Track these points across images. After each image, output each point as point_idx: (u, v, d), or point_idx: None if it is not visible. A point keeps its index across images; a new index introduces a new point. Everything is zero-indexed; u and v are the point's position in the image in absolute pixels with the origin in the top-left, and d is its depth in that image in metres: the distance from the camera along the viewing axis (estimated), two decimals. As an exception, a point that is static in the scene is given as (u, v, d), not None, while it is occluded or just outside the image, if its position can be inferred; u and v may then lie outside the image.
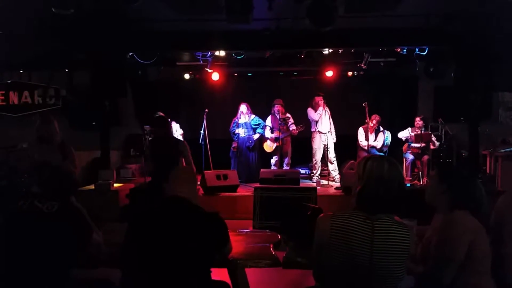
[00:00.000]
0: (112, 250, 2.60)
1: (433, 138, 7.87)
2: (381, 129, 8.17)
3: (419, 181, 7.62)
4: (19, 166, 6.21)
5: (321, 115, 7.88)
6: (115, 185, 6.60)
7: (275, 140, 7.95)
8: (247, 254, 2.75)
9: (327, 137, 7.87)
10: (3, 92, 8.16)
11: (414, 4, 5.63)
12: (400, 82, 8.96)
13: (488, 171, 7.43)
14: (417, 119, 7.90)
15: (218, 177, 6.75)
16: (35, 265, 2.26)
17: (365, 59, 7.84)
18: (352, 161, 7.66)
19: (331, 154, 7.95)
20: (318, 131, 7.94)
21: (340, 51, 7.54)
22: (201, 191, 6.61)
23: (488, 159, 7.52)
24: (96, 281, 2.62)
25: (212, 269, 2.42)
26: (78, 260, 2.46)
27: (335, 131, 8.06)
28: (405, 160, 8.01)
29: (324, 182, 7.71)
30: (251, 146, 8.02)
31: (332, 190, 7.17)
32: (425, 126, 7.95)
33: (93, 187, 6.31)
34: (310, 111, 7.99)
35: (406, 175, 7.88)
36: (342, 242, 1.93)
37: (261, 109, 8.45)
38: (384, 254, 1.90)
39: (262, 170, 7.08)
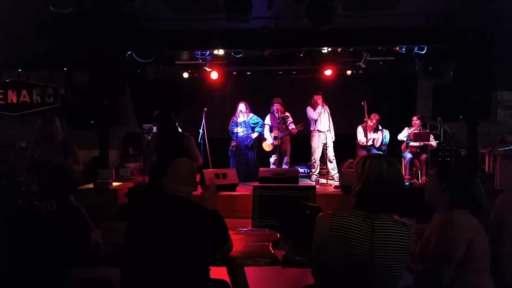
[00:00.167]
0: (111, 249, 2.60)
1: (432, 137, 7.87)
2: (380, 127, 8.18)
3: (418, 179, 7.62)
4: (18, 165, 6.22)
5: (320, 113, 7.88)
6: (114, 184, 6.60)
7: (274, 139, 7.95)
8: (246, 252, 2.75)
9: (326, 136, 7.88)
10: (2, 91, 8.17)
11: (413, 3, 5.63)
12: (399, 81, 8.96)
13: (486, 170, 7.44)
14: (414, 118, 7.90)
15: (217, 176, 6.74)
16: (34, 264, 2.25)
17: (364, 58, 7.84)
18: (351, 160, 7.66)
19: (330, 153, 7.96)
20: (317, 130, 7.95)
21: (339, 50, 7.54)
22: (200, 190, 6.60)
23: (486, 158, 7.53)
24: (95, 280, 2.62)
25: (211, 268, 2.42)
26: (77, 259, 2.46)
27: (334, 130, 8.07)
28: (404, 159, 8.02)
29: (323, 181, 7.71)
30: (249, 145, 8.01)
31: (331, 189, 7.17)
32: (423, 125, 7.95)
33: (92, 186, 6.31)
34: (309, 110, 7.99)
35: (404, 174, 7.88)
36: (341, 241, 1.93)
37: (260, 108, 8.44)
38: (383, 253, 1.90)
39: (261, 169, 7.08)
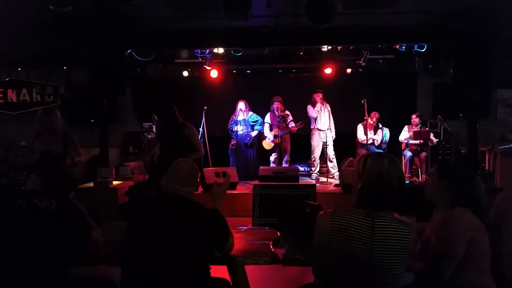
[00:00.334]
0: (112, 248, 2.60)
1: (432, 135, 7.87)
2: (380, 126, 8.17)
3: (418, 178, 7.62)
4: (18, 164, 6.22)
5: (319, 112, 7.88)
6: (114, 182, 6.59)
7: (274, 137, 7.95)
8: (247, 251, 2.75)
9: (326, 135, 7.88)
10: (2, 90, 8.18)
11: (413, 1, 5.62)
12: (399, 79, 8.95)
13: (487, 168, 7.44)
14: (413, 116, 7.90)
15: (217, 174, 6.73)
16: (34, 263, 2.25)
17: (363, 56, 7.84)
18: (351, 158, 7.67)
19: (330, 152, 7.95)
20: (317, 129, 7.95)
21: (339, 48, 7.53)
22: (201, 189, 6.60)
23: (487, 156, 7.53)
24: (95, 279, 2.62)
25: (211, 266, 2.42)
26: (77, 258, 2.46)
27: (334, 128, 8.06)
28: (404, 157, 8.01)
29: (323, 179, 7.72)
30: (249, 143, 8.01)
31: (331, 187, 7.17)
32: (423, 123, 7.94)
33: (92, 185, 6.31)
34: (309, 108, 7.99)
35: (404, 172, 7.88)
36: (342, 239, 1.93)
37: (260, 106, 8.44)
38: (384, 252, 1.90)
39: (261, 167, 7.08)
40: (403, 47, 7.24)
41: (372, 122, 8.02)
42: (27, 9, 5.41)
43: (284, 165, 8.00)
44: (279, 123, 7.81)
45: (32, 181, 2.53)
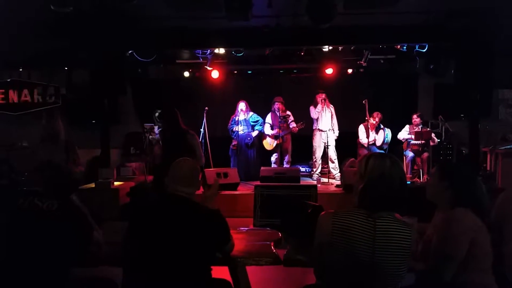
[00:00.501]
0: (113, 249, 2.60)
1: (433, 135, 7.86)
2: (382, 126, 8.16)
3: (419, 178, 7.62)
4: (19, 165, 6.23)
5: (319, 112, 7.86)
6: (116, 183, 6.60)
7: (275, 137, 7.94)
8: (248, 252, 2.75)
9: (327, 135, 7.86)
10: (3, 90, 8.15)
11: (414, 1, 5.61)
12: (400, 79, 8.95)
13: (488, 168, 7.43)
14: (414, 116, 7.89)
15: (218, 175, 6.74)
16: (36, 264, 2.25)
17: (365, 56, 7.82)
18: (352, 159, 7.66)
19: (332, 152, 7.92)
20: (318, 129, 7.93)
21: (340, 48, 7.52)
22: (202, 189, 6.60)
23: (488, 156, 7.52)
24: (97, 279, 2.62)
25: (212, 267, 2.42)
26: (79, 258, 2.46)
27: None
28: (405, 158, 8.00)
29: (325, 180, 7.71)
30: (250, 143, 8.01)
31: (332, 188, 7.17)
32: (424, 123, 7.94)
33: (94, 186, 6.31)
34: (311, 109, 7.98)
35: (406, 172, 7.85)
36: (343, 240, 1.92)
37: (261, 107, 8.44)
38: (385, 252, 1.89)
39: (262, 168, 7.09)
40: (404, 47, 7.23)
41: (374, 122, 8.00)
42: (28, 10, 5.41)
43: (285, 165, 8.00)
44: (280, 123, 7.81)
45: (33, 183, 2.53)
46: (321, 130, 7.90)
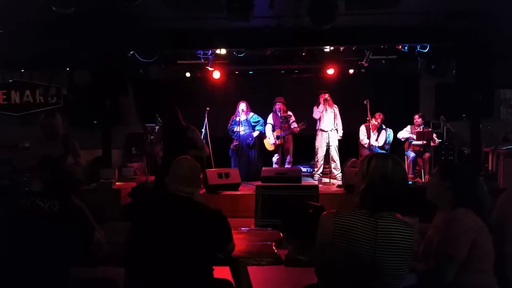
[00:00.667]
0: (114, 249, 2.60)
1: (434, 136, 7.85)
2: (383, 127, 8.16)
3: (421, 178, 7.60)
4: (21, 165, 6.24)
5: (321, 112, 7.86)
6: (117, 184, 6.61)
7: (276, 138, 7.94)
8: (249, 252, 2.75)
9: (328, 135, 7.84)
10: (5, 91, 8.19)
11: (415, 1, 5.61)
12: (401, 80, 8.95)
13: (490, 168, 7.42)
14: (416, 116, 7.87)
15: (219, 175, 6.75)
16: (37, 264, 2.26)
17: (366, 57, 7.82)
18: (354, 159, 7.64)
19: (334, 153, 7.89)
20: (320, 129, 7.92)
21: (341, 48, 7.53)
22: (203, 190, 6.61)
23: (490, 156, 7.51)
24: (98, 280, 2.62)
25: (214, 268, 2.42)
26: (80, 259, 2.46)
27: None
28: (407, 158, 7.99)
29: (326, 180, 7.71)
30: (251, 144, 8.02)
31: (333, 188, 7.16)
32: (426, 124, 7.93)
33: (95, 186, 6.32)
34: (314, 109, 7.96)
35: (407, 173, 7.83)
36: (345, 240, 1.92)
37: (262, 107, 8.44)
38: (387, 252, 1.89)
39: (263, 168, 7.09)
40: (405, 48, 7.24)
41: (376, 123, 8.00)
42: (29, 11, 5.43)
43: (286, 166, 8.00)
44: (281, 123, 7.81)
45: (35, 184, 2.54)
46: (323, 130, 7.90)
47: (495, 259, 2.27)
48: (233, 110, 8.21)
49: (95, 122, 7.63)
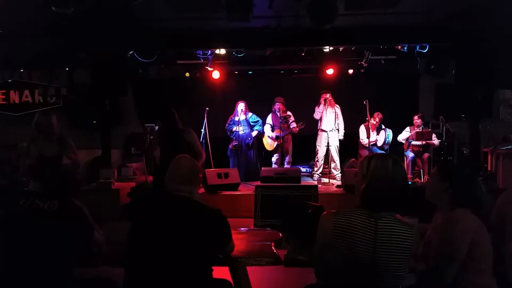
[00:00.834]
0: (114, 249, 2.60)
1: (434, 136, 7.85)
2: (383, 126, 8.16)
3: (420, 179, 7.61)
4: (20, 165, 6.23)
5: (321, 113, 7.85)
6: (116, 183, 6.61)
7: (275, 138, 7.94)
8: (249, 252, 2.75)
9: (327, 135, 7.83)
10: (4, 91, 8.18)
11: (415, 2, 5.62)
12: (400, 80, 8.94)
13: (489, 168, 7.43)
14: (416, 117, 7.87)
15: (219, 175, 6.75)
16: (36, 264, 2.25)
17: (365, 57, 7.83)
18: (353, 159, 7.66)
19: (333, 153, 7.86)
20: (321, 129, 7.92)
21: (341, 49, 7.53)
22: (202, 190, 6.61)
23: (489, 156, 7.52)
24: (98, 280, 2.62)
25: (213, 268, 2.42)
26: (80, 259, 2.46)
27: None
28: (406, 158, 8.00)
29: (325, 180, 7.71)
30: (250, 144, 8.02)
31: (333, 188, 7.16)
32: (425, 124, 7.93)
33: (94, 186, 6.32)
34: (315, 110, 7.96)
35: (406, 173, 7.83)
36: (345, 240, 1.92)
37: (261, 107, 8.43)
38: (387, 253, 1.90)
39: (263, 168, 7.09)
40: (405, 48, 7.24)
41: (375, 122, 8.00)
42: (29, 10, 5.42)
43: (286, 166, 8.00)
44: (280, 124, 7.81)
45: (31, 185, 2.53)
46: (323, 130, 7.89)
47: (495, 259, 2.27)
48: (233, 110, 8.21)
49: (95, 122, 7.63)
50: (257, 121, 8.14)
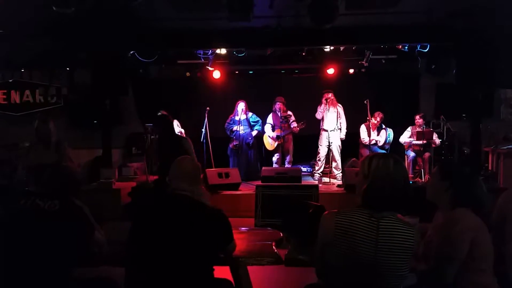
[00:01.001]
0: (114, 249, 2.60)
1: (435, 135, 7.85)
2: (383, 126, 8.15)
3: (421, 178, 7.60)
4: (21, 165, 6.23)
5: (322, 112, 7.85)
6: (117, 183, 6.61)
7: (276, 138, 7.94)
8: (249, 252, 2.75)
9: (328, 135, 7.82)
10: (5, 91, 8.20)
11: (416, 1, 5.61)
12: (401, 79, 8.93)
13: (490, 168, 7.42)
14: (417, 117, 7.86)
15: (219, 175, 6.75)
16: (37, 264, 2.26)
17: (366, 57, 7.82)
18: (354, 158, 7.65)
19: (335, 152, 7.85)
20: (323, 129, 7.92)
21: (341, 48, 7.52)
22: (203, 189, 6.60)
23: (490, 156, 7.51)
24: (99, 279, 2.62)
25: (214, 267, 2.42)
26: (81, 258, 2.46)
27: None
28: (407, 157, 7.99)
29: (326, 179, 7.70)
30: (250, 143, 8.02)
31: (334, 188, 7.16)
32: (426, 123, 7.92)
33: (95, 186, 6.33)
34: (317, 109, 7.96)
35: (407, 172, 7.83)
36: (346, 239, 1.92)
37: (262, 107, 8.43)
38: (388, 253, 1.89)
39: (263, 168, 7.09)
40: (406, 47, 7.23)
41: (376, 122, 7.99)
42: (29, 11, 5.42)
43: (286, 165, 8.00)
44: (281, 123, 7.81)
45: (30, 188, 2.54)
46: (325, 130, 7.88)
47: (495, 258, 2.27)
48: (233, 109, 8.21)
49: (95, 121, 7.64)
50: (257, 121, 8.14)
